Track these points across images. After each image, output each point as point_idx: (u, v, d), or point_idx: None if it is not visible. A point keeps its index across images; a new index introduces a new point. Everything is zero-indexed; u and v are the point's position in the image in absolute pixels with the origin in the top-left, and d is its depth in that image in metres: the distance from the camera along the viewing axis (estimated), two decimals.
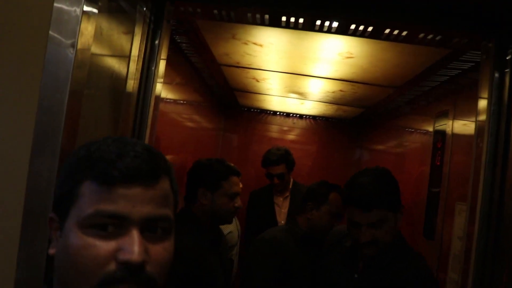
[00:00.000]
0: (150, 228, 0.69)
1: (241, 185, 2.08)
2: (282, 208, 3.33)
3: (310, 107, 3.92)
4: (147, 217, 0.69)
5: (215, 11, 1.73)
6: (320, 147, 4.68)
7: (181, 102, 2.90)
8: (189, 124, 3.31)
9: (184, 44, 2.37)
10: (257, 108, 4.59)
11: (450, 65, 2.05)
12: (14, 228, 1.04)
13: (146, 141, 1.63)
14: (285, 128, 4.71)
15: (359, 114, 3.95)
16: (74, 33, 1.06)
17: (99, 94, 1.26)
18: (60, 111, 1.05)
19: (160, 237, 0.71)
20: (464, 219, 1.95)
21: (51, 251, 0.73)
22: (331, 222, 2.22)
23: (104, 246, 0.66)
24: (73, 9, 1.07)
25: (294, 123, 4.69)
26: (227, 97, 4.02)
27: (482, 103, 1.64)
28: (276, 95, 3.55)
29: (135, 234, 0.67)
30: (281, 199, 3.36)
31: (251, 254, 2.27)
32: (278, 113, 4.65)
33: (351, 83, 2.70)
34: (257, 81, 3.06)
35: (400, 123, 3.33)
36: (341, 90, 2.97)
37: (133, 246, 0.66)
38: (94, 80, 1.20)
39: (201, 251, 1.85)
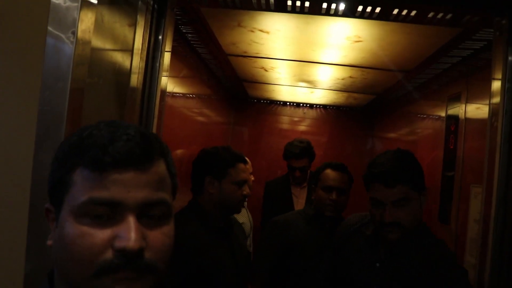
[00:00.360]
0: (147, 214, 0.67)
1: (251, 175, 2.07)
2: (299, 198, 3.29)
3: (320, 95, 3.88)
4: (143, 202, 0.66)
5: None
6: (331, 137, 4.64)
7: (189, 95, 2.89)
8: (198, 117, 3.30)
9: (189, 34, 2.35)
10: (267, 99, 4.56)
11: (462, 45, 2.00)
12: (22, 223, 1.03)
13: None
14: (295, 119, 4.68)
15: (370, 101, 3.90)
16: (74, 24, 1.05)
17: (102, 87, 1.24)
18: (62, 103, 1.04)
19: (158, 222, 0.69)
20: (480, 201, 1.91)
21: (49, 242, 0.71)
22: (327, 196, 2.19)
23: (100, 235, 0.64)
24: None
25: (304, 113, 4.65)
26: (236, 88, 4.00)
27: (496, 82, 1.59)
28: (285, 85, 3.52)
29: (131, 220, 0.65)
30: (299, 189, 3.33)
31: (261, 235, 2.41)
32: (288, 103, 4.62)
33: (361, 68, 2.65)
34: (266, 70, 3.03)
35: (412, 108, 3.27)
36: (350, 77, 2.92)
37: (129, 232, 0.64)
38: (96, 72, 1.18)
39: (204, 242, 1.82)
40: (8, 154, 1.07)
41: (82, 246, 0.64)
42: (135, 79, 1.47)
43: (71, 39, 1.04)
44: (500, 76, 1.57)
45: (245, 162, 2.05)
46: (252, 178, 2.08)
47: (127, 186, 0.65)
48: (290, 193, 3.31)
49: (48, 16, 1.05)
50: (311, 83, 3.34)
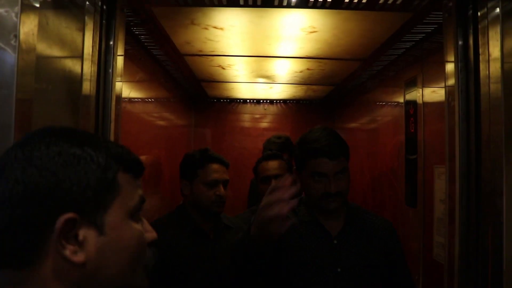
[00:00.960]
0: None
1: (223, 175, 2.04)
2: None
3: (280, 90, 3.88)
4: None
5: None
6: (294, 131, 4.65)
7: (146, 99, 2.81)
8: (158, 121, 3.21)
9: (142, 36, 2.28)
10: (227, 98, 4.52)
11: (414, 29, 2.04)
12: None
13: None
14: (257, 116, 4.67)
15: (329, 92, 3.94)
16: (14, 28, 0.98)
17: (52, 94, 1.17)
18: (7, 113, 0.97)
19: None
20: (444, 181, 1.95)
21: (80, 257, 0.66)
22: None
23: (142, 232, 0.76)
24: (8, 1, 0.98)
25: (265, 109, 4.64)
26: (195, 89, 3.93)
27: (449, 63, 1.63)
28: (243, 82, 3.49)
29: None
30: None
31: None
32: (248, 100, 4.60)
33: (318, 60, 2.66)
34: (223, 68, 2.99)
35: (370, 96, 3.33)
36: (308, 69, 2.93)
37: (149, 225, 0.79)
38: (45, 79, 1.11)
39: (178, 245, 1.89)
40: None
41: (142, 245, 0.75)
42: (88, 85, 1.40)
43: (13, 42, 0.97)
44: (452, 58, 1.61)
45: (220, 163, 2.03)
46: (224, 174, 2.04)
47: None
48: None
49: None
50: (270, 78, 3.33)
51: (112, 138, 1.56)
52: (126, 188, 0.72)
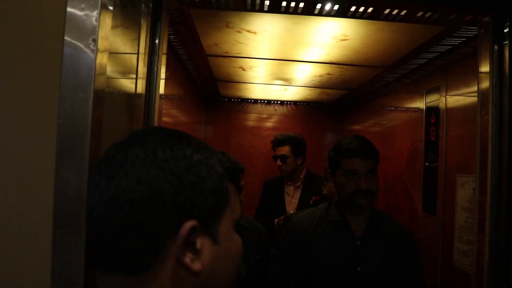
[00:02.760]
0: None
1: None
2: (292, 198, 3.27)
3: (294, 92, 3.92)
4: None
5: None
6: (303, 132, 4.69)
7: (164, 96, 2.82)
8: (171, 118, 3.23)
9: (171, 36, 2.30)
10: (238, 98, 4.55)
11: (442, 41, 2.09)
12: (44, 246, 0.98)
13: None
14: (267, 116, 4.71)
15: (341, 96, 3.98)
16: (93, 32, 1.01)
17: (116, 95, 1.20)
18: (84, 116, 1.00)
19: None
20: (469, 190, 2.00)
21: (197, 266, 0.64)
22: None
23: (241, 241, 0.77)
24: (91, 3, 1.01)
25: (275, 109, 4.68)
26: (209, 88, 3.96)
27: (484, 77, 1.68)
28: (260, 83, 3.53)
29: None
30: (292, 188, 3.30)
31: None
32: (259, 101, 4.64)
33: (340, 65, 2.71)
34: (244, 69, 3.03)
35: (386, 102, 3.38)
36: (328, 74, 2.98)
37: None
38: (112, 80, 1.14)
39: None
40: (26, 173, 1.01)
41: (241, 254, 0.76)
42: (140, 85, 1.43)
43: (92, 47, 1.00)
44: (487, 71, 1.65)
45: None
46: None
47: None
48: (282, 192, 3.30)
49: (64, 24, 1.00)
50: (287, 81, 3.37)
51: None
52: (232, 199, 0.72)
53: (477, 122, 1.71)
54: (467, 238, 2.01)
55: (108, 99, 1.12)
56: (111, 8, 1.07)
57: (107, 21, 1.05)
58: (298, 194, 3.23)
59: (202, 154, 0.68)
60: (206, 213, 0.66)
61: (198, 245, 0.64)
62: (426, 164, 2.48)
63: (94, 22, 1.00)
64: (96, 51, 1.00)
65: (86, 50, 1.00)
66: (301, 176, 3.32)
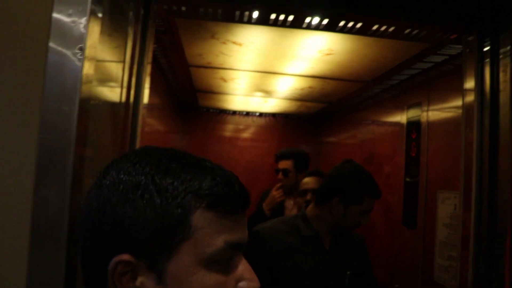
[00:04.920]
0: None
1: None
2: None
3: (273, 104, 3.91)
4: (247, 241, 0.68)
5: (201, 9, 1.65)
6: (279, 144, 4.69)
7: (146, 106, 2.75)
8: (148, 128, 3.15)
9: (154, 45, 2.24)
10: (217, 109, 4.50)
11: (426, 58, 2.11)
12: (20, 269, 0.91)
13: None
14: (245, 127, 4.67)
15: (320, 109, 3.99)
16: (81, 39, 0.95)
17: (102, 106, 1.14)
18: (69, 128, 0.93)
19: None
20: (451, 206, 2.02)
21: None
22: None
23: (230, 281, 0.62)
24: (79, 9, 0.95)
25: (253, 121, 4.66)
26: (188, 98, 3.90)
27: (469, 96, 1.69)
28: (240, 95, 3.50)
29: (245, 261, 0.64)
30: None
31: None
32: (237, 112, 4.60)
33: (323, 79, 2.70)
34: (225, 81, 2.99)
35: (365, 115, 3.40)
36: (310, 87, 2.97)
37: (252, 273, 0.64)
38: (98, 91, 1.08)
39: None
40: (2, 191, 0.93)
41: None
42: (125, 94, 1.37)
43: (79, 56, 0.94)
44: (472, 90, 1.67)
45: None
46: None
47: (244, 227, 0.65)
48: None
49: (49, 31, 0.94)
50: (268, 93, 3.35)
51: (138, 145, 1.53)
52: (204, 231, 0.60)
53: (462, 139, 1.73)
54: (448, 254, 2.02)
55: (94, 111, 1.06)
56: (100, 15, 1.01)
57: (95, 28, 1.00)
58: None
59: (153, 177, 0.60)
60: (144, 248, 0.59)
61: (138, 283, 0.59)
62: (407, 179, 2.49)
63: (82, 29, 0.95)
64: (83, 60, 0.95)
65: (73, 58, 0.94)
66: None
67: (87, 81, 0.97)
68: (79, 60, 0.94)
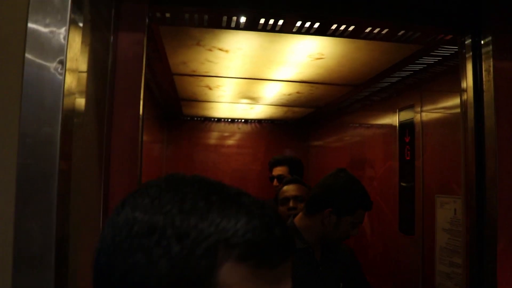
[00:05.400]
0: None
1: None
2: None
3: (260, 111, 3.83)
4: None
5: (186, 16, 1.57)
6: (267, 150, 4.61)
7: None
8: None
9: None
10: (201, 117, 4.40)
11: (418, 60, 2.06)
12: None
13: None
14: (230, 134, 4.58)
15: (307, 114, 3.93)
16: (61, 52, 0.85)
17: (87, 124, 1.04)
18: (52, 152, 0.83)
19: None
20: (450, 211, 1.96)
21: None
22: None
23: None
24: (58, 18, 0.85)
25: (239, 128, 4.57)
26: (172, 107, 3.79)
27: (467, 98, 1.64)
28: (226, 102, 3.41)
29: None
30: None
31: None
32: (222, 119, 4.51)
33: (311, 84, 2.64)
34: (210, 88, 2.90)
35: (355, 119, 3.35)
36: (298, 92, 2.90)
37: None
38: (81, 108, 0.98)
39: None
40: None
41: None
42: (108, 107, 1.27)
43: (59, 70, 0.84)
44: (470, 91, 1.62)
45: None
46: None
47: (287, 283, 0.54)
48: None
49: (25, 42, 0.84)
50: (254, 100, 3.27)
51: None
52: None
53: (462, 146, 1.67)
54: (449, 260, 1.97)
55: (78, 130, 0.96)
56: (80, 24, 0.92)
57: (76, 39, 0.90)
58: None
59: (184, 220, 0.48)
60: None
61: None
62: (402, 184, 2.44)
63: (61, 40, 0.85)
64: (64, 74, 0.85)
65: (53, 72, 0.84)
66: None
67: (69, 97, 0.88)
68: (60, 74, 0.84)
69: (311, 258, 1.82)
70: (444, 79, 2.10)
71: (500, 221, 1.45)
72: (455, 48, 1.80)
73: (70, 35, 0.86)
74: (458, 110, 1.72)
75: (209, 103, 3.52)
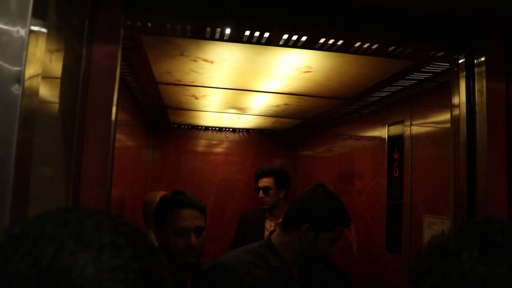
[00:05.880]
0: None
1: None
2: None
3: (247, 120, 3.76)
4: None
5: (168, 26, 1.50)
6: (255, 159, 4.53)
7: None
8: (116, 144, 2.95)
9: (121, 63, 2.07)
10: (188, 125, 4.32)
11: (409, 76, 2.01)
12: None
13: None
14: (218, 143, 4.50)
15: (295, 125, 3.87)
16: (20, 61, 0.77)
17: (51, 142, 0.96)
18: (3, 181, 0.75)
19: None
20: (438, 232, 1.90)
21: None
22: None
23: None
24: (15, 29, 0.78)
25: (226, 137, 4.49)
26: (158, 115, 3.71)
27: (458, 116, 1.59)
28: (213, 111, 3.34)
29: None
30: (273, 224, 3.12)
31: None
32: (210, 128, 4.43)
33: (299, 96, 2.58)
34: (196, 98, 2.83)
35: (343, 131, 3.30)
36: (285, 104, 2.84)
37: None
38: (42, 135, 0.90)
39: None
40: None
41: None
42: (80, 112, 1.19)
43: (17, 89, 0.77)
44: (464, 112, 1.57)
45: (192, 208, 1.84)
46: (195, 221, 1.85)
47: None
48: (263, 227, 3.10)
49: None
50: (242, 110, 3.21)
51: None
52: None
53: (451, 163, 1.62)
54: None
55: (39, 151, 0.88)
56: (44, 30, 0.84)
57: (39, 46, 0.82)
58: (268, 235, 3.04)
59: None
60: None
61: None
62: (390, 201, 2.38)
63: (20, 44, 0.77)
64: (21, 94, 0.77)
65: (10, 91, 0.76)
66: (284, 213, 3.15)
67: (28, 106, 0.80)
68: (17, 90, 0.77)
69: (287, 276, 1.74)
70: (435, 95, 2.05)
71: None
72: (446, 65, 1.75)
73: (31, 41, 0.78)
74: (449, 126, 1.67)
75: (195, 112, 3.45)
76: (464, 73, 1.57)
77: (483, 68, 1.45)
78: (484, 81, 1.43)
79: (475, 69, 1.51)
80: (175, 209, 1.81)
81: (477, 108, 1.50)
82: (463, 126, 1.57)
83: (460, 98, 1.58)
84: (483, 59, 1.47)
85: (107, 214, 0.51)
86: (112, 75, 1.25)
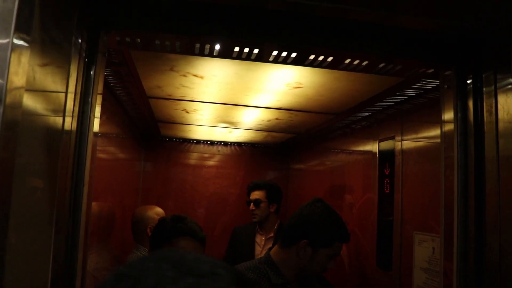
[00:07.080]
0: None
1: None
2: (262, 249, 3.08)
3: (239, 134, 3.75)
4: None
5: (157, 41, 1.49)
6: (247, 173, 4.51)
7: (99, 135, 2.53)
8: (103, 156, 2.92)
9: (110, 77, 2.05)
10: (180, 138, 4.30)
11: (400, 92, 2.01)
12: None
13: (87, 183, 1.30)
14: (210, 157, 4.48)
15: (287, 139, 3.87)
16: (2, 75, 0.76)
17: (35, 155, 0.94)
18: None
19: None
20: (428, 250, 1.90)
21: None
22: None
23: None
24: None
25: (218, 150, 4.47)
26: (150, 128, 3.69)
27: (449, 134, 1.58)
28: (204, 125, 3.32)
29: None
30: (264, 238, 3.10)
31: None
32: (202, 141, 4.41)
33: (290, 111, 2.58)
34: (187, 112, 2.81)
35: (334, 146, 3.29)
36: (277, 119, 2.84)
37: None
38: (26, 153, 0.88)
39: None
40: None
41: None
42: (69, 122, 1.17)
43: None
44: (451, 126, 1.56)
45: (192, 237, 1.80)
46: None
47: None
48: (253, 241, 3.08)
49: None
50: (233, 124, 3.20)
51: (87, 178, 1.32)
52: None
53: (441, 182, 1.61)
54: None
55: (21, 168, 0.86)
56: (26, 44, 0.82)
57: (22, 60, 0.80)
58: (269, 245, 3.01)
59: None
60: None
61: None
62: (380, 217, 2.37)
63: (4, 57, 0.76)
64: (2, 109, 0.75)
65: None
66: (275, 227, 3.14)
67: (7, 142, 0.78)
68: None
69: None
70: (426, 112, 2.05)
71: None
72: (437, 81, 1.76)
73: (14, 54, 0.77)
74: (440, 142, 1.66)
75: (187, 126, 3.43)
76: (456, 88, 1.58)
77: (492, 88, 1.42)
78: (493, 99, 1.40)
79: (467, 86, 1.50)
80: (173, 238, 1.76)
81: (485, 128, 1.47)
82: (456, 141, 1.55)
83: (452, 112, 1.57)
84: (477, 75, 1.46)
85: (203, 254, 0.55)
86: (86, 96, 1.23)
